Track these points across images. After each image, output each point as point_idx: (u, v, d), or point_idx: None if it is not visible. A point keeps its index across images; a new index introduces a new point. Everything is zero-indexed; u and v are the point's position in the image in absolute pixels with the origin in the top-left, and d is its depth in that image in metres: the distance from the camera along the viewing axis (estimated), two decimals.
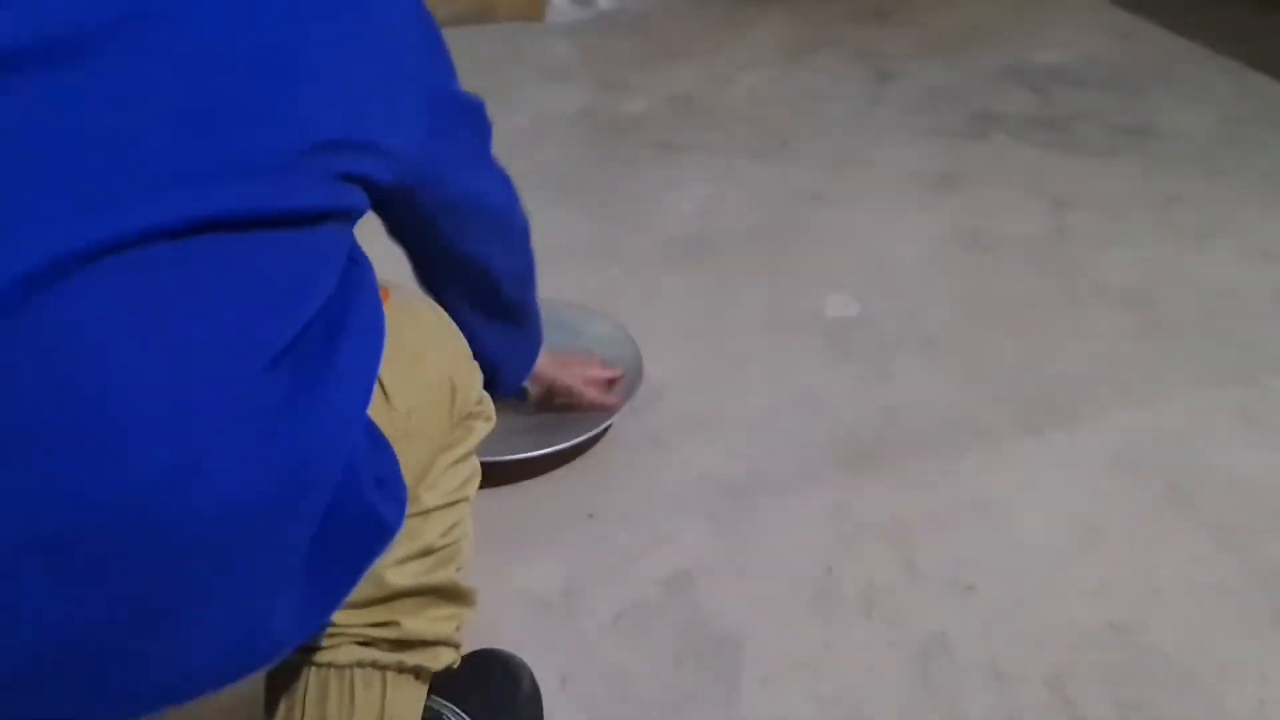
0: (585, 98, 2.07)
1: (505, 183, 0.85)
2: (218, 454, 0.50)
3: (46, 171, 0.47)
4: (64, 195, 0.47)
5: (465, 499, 0.78)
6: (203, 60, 0.51)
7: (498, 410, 0.85)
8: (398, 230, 0.81)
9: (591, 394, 1.13)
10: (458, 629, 0.78)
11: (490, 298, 0.92)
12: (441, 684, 0.85)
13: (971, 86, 2.11)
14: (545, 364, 1.08)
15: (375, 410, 0.62)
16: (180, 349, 0.49)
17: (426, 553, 0.74)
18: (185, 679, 0.55)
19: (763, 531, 1.07)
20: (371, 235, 0.82)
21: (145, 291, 0.48)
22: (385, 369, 0.62)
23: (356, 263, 0.63)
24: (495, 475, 1.10)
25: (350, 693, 0.71)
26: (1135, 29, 2.42)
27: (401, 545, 0.70)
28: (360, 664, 0.71)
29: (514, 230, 0.89)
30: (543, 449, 1.09)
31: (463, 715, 0.81)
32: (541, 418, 1.15)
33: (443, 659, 0.77)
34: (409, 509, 0.66)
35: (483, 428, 0.80)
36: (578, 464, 1.15)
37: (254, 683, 0.72)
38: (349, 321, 0.58)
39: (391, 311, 0.65)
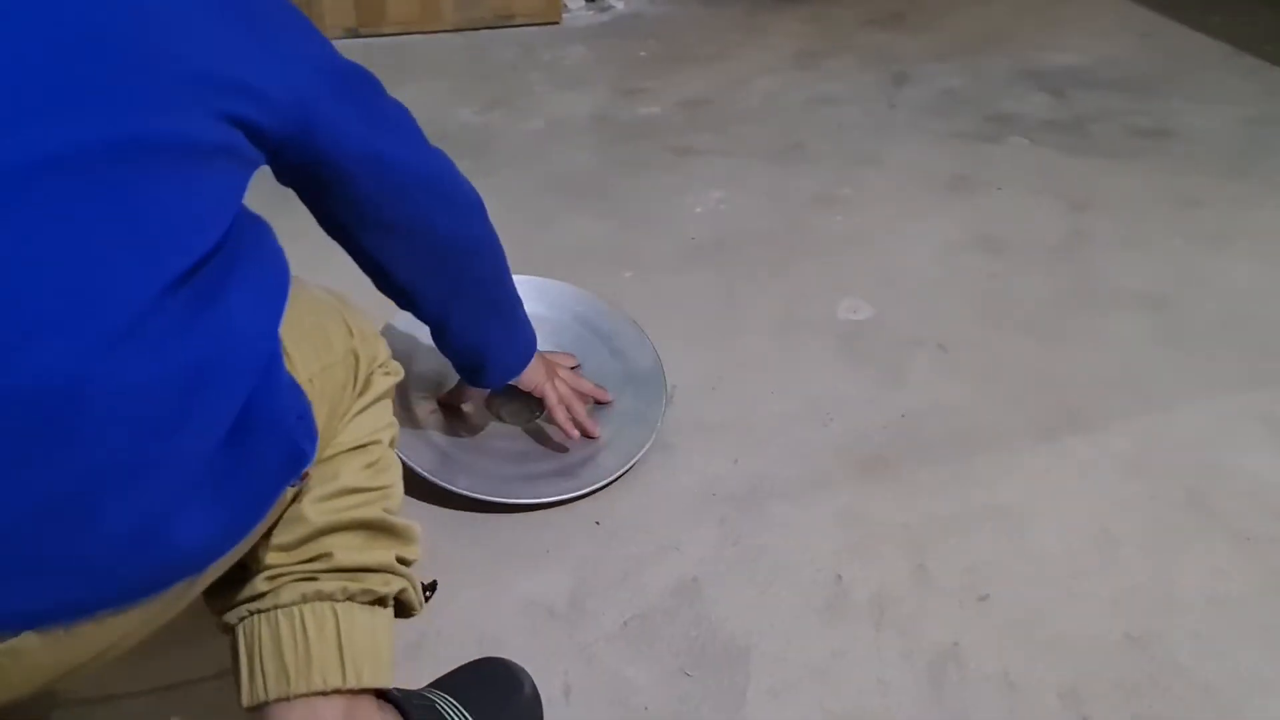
0: (600, 102, 2.07)
1: (415, 142, 0.83)
2: (115, 355, 0.54)
3: None
4: None
5: (378, 442, 0.79)
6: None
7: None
8: (330, 210, 0.80)
9: (563, 419, 1.12)
10: (399, 560, 0.78)
11: (451, 274, 0.90)
12: (442, 683, 0.86)
13: (987, 89, 2.10)
14: (536, 370, 1.08)
15: None
16: (84, 264, 0.54)
17: (349, 492, 0.75)
18: (89, 578, 0.56)
19: (772, 538, 1.05)
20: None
21: (49, 209, 0.53)
22: (289, 343, 0.67)
23: (258, 221, 0.68)
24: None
25: (303, 630, 0.71)
26: (1155, 27, 2.40)
27: (322, 485, 0.73)
28: (305, 598, 0.72)
29: (446, 191, 0.86)
30: (567, 493, 1.08)
31: (462, 710, 0.81)
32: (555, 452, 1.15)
33: (393, 584, 0.76)
34: (325, 452, 0.72)
35: (384, 380, 0.82)
36: None
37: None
38: (246, 263, 0.63)
39: (294, 297, 0.68)
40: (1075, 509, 1.09)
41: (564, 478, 1.10)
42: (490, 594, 1.00)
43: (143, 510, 0.56)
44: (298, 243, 0.76)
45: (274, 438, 0.63)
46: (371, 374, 0.80)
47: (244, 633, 0.72)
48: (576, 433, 1.13)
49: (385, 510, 0.78)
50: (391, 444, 0.82)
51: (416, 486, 1.05)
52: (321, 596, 0.72)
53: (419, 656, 0.92)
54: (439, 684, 0.86)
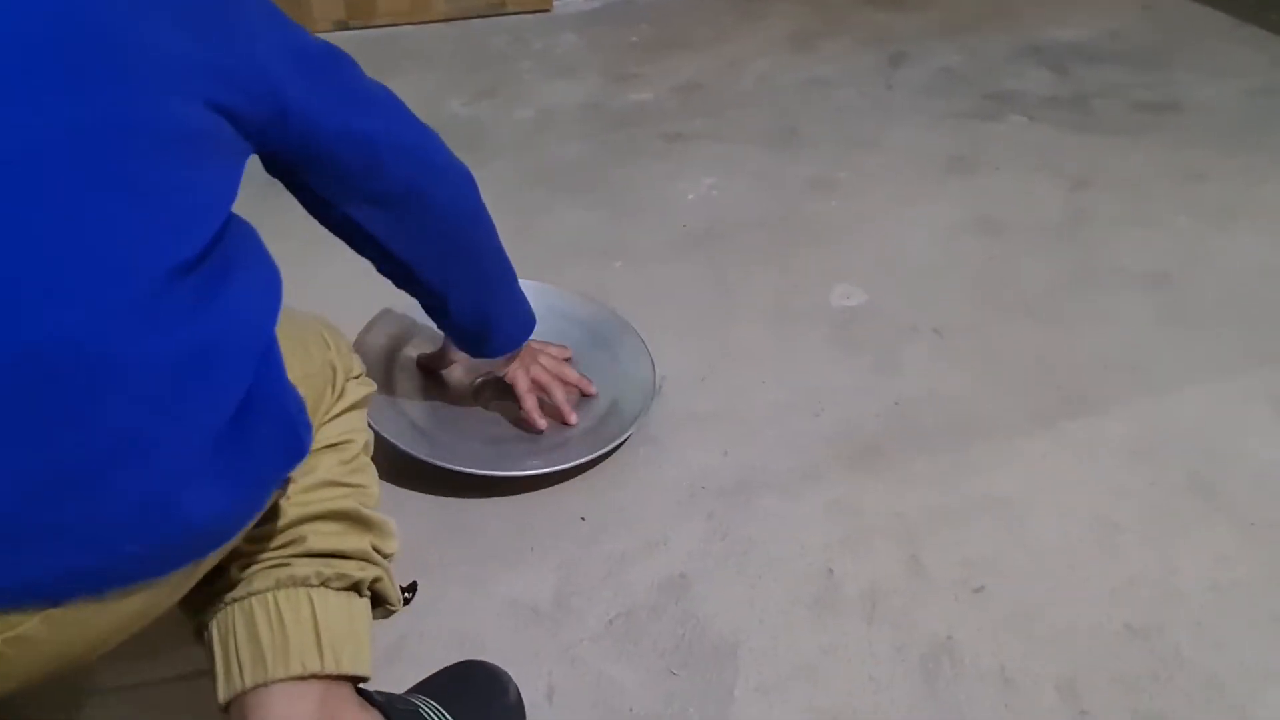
0: (591, 89, 2.03)
1: (395, 115, 0.84)
2: (128, 325, 0.55)
3: None
4: None
5: (352, 442, 0.81)
6: None
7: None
8: (319, 192, 0.81)
9: (530, 406, 1.11)
10: (374, 549, 0.78)
11: (448, 243, 0.91)
12: (423, 687, 0.84)
13: (987, 67, 2.05)
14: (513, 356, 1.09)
15: None
16: (100, 235, 0.55)
17: (326, 485, 0.76)
18: (99, 549, 0.55)
19: (761, 532, 1.03)
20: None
21: (67, 180, 0.54)
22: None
23: (246, 224, 0.68)
24: (487, 487, 1.07)
25: (279, 616, 0.71)
26: None
27: (299, 478, 0.74)
28: (279, 584, 0.71)
29: (433, 161, 0.87)
30: (551, 466, 1.07)
31: (445, 715, 0.78)
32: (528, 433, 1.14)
33: (368, 571, 0.76)
34: None
35: (358, 389, 0.84)
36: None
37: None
38: (242, 258, 0.65)
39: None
40: (1074, 497, 1.06)
41: (535, 458, 1.08)
42: (472, 594, 0.98)
43: (152, 483, 0.56)
44: (285, 242, 0.75)
45: (278, 424, 0.65)
46: (347, 383, 0.83)
47: (218, 626, 0.72)
48: (542, 423, 1.11)
49: (361, 504, 0.78)
50: (365, 448, 0.83)
51: (392, 471, 1.04)
52: (295, 582, 0.72)
53: (399, 659, 0.90)
54: (420, 688, 0.84)
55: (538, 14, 2.46)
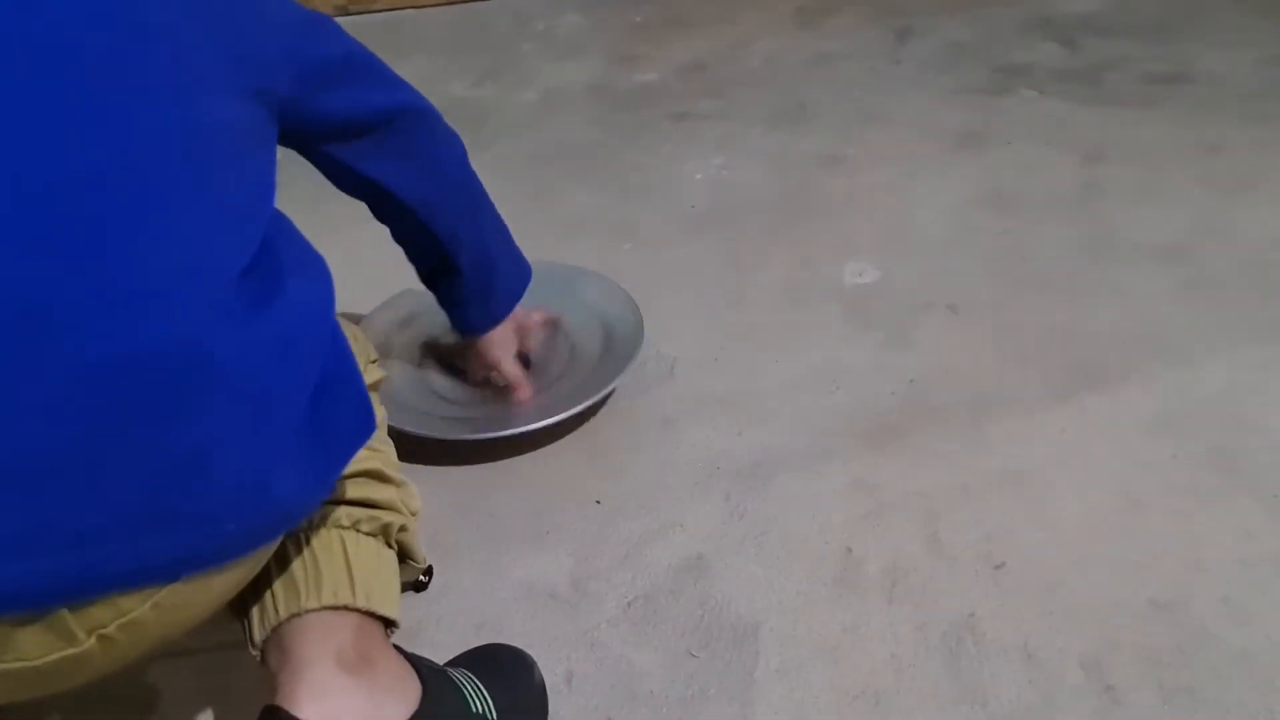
0: (596, 70, 2.02)
1: (407, 88, 0.92)
2: (219, 322, 0.59)
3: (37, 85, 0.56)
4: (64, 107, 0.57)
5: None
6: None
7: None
8: (332, 152, 0.88)
9: (512, 371, 1.14)
10: (401, 500, 0.81)
11: (454, 187, 0.99)
12: (453, 664, 0.84)
13: (996, 40, 2.03)
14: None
15: None
16: (185, 241, 0.59)
17: None
18: (205, 532, 0.59)
19: (779, 512, 1.02)
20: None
21: (151, 187, 0.58)
22: None
23: (282, 217, 0.71)
24: (494, 451, 1.07)
25: (311, 553, 0.73)
26: None
27: None
28: (311, 524, 0.74)
29: (440, 125, 0.96)
30: (537, 422, 1.07)
31: (477, 682, 0.78)
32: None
33: (395, 519, 0.80)
34: None
35: (375, 371, 0.90)
36: (584, 447, 1.11)
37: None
38: (290, 250, 0.68)
39: None
40: (1095, 472, 1.04)
41: (537, 413, 1.09)
42: (489, 578, 0.97)
43: (249, 466, 0.60)
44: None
45: (351, 402, 0.69)
46: (367, 366, 0.87)
47: None
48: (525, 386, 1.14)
49: (384, 465, 0.81)
50: (382, 424, 0.85)
51: (403, 455, 1.02)
52: (326, 522, 0.74)
53: (416, 644, 0.89)
54: (449, 665, 0.84)
55: None
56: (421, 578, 0.95)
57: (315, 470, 0.65)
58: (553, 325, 1.21)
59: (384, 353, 1.16)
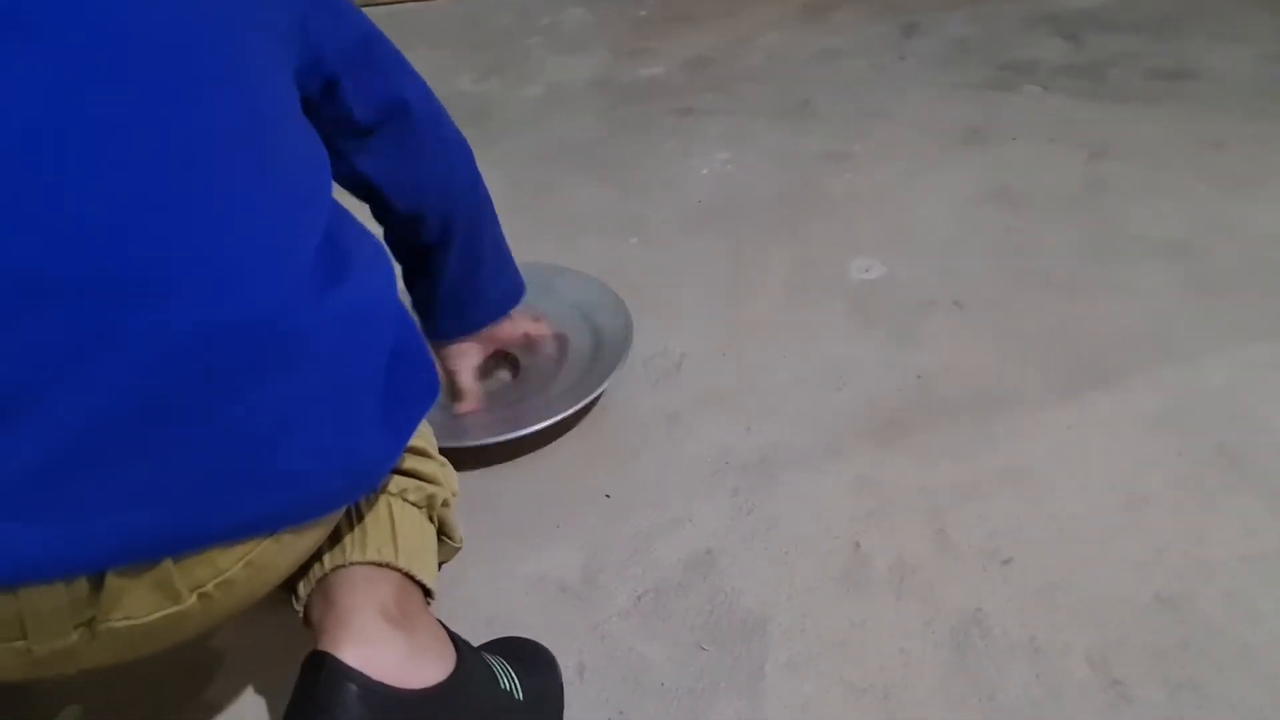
0: (600, 65, 2.02)
1: (420, 84, 0.93)
2: (301, 295, 0.62)
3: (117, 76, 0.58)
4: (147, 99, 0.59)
5: None
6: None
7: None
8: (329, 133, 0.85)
9: (466, 382, 1.13)
10: (443, 478, 0.85)
11: (445, 174, 0.97)
12: (482, 648, 0.84)
13: (1000, 36, 2.03)
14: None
15: None
16: (266, 219, 0.62)
17: None
18: (298, 490, 0.63)
19: (787, 507, 1.02)
20: None
21: (234, 169, 0.61)
22: None
23: (344, 209, 0.73)
24: (501, 446, 1.08)
25: (358, 514, 0.76)
26: None
27: None
28: None
29: (451, 130, 0.97)
30: (534, 425, 1.07)
31: (508, 666, 0.80)
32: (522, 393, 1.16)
33: (440, 492, 0.83)
34: None
35: None
36: (593, 443, 1.12)
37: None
38: (350, 227, 0.71)
39: None
40: (1100, 468, 1.05)
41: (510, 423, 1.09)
42: (500, 572, 0.98)
43: (330, 429, 0.63)
44: None
45: (421, 366, 0.74)
46: None
47: None
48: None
49: (428, 444, 0.85)
50: None
51: None
52: (376, 490, 0.77)
53: None
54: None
55: None
56: (453, 555, 0.97)
57: (393, 431, 0.69)
58: (557, 340, 1.21)
59: None
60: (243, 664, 0.90)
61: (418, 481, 0.81)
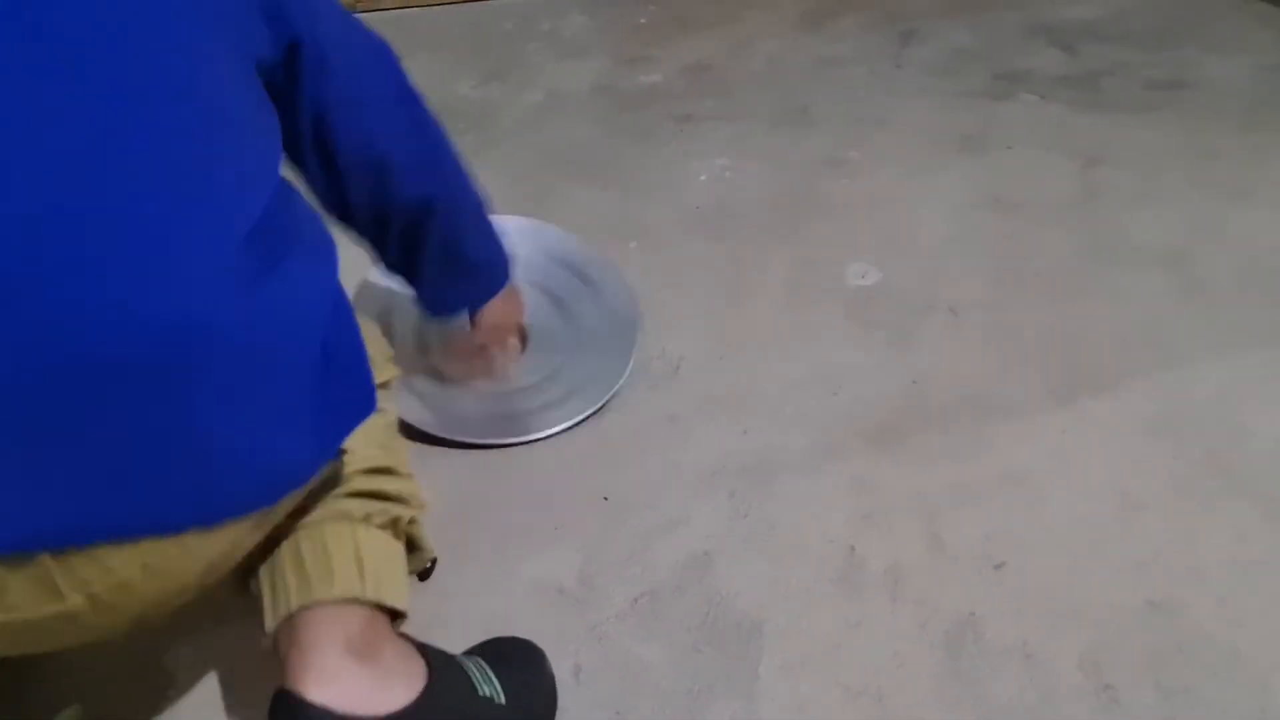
0: (600, 71, 2.03)
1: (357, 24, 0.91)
2: (223, 292, 0.60)
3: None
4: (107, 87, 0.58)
5: (387, 411, 0.85)
6: None
7: None
8: (306, 101, 0.82)
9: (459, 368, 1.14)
10: (409, 494, 0.83)
11: (422, 142, 0.95)
12: (466, 653, 0.86)
13: (997, 45, 2.04)
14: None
15: None
16: (188, 217, 0.60)
17: (368, 445, 0.80)
18: (206, 487, 0.61)
19: (783, 511, 1.03)
20: None
21: (159, 167, 0.59)
22: None
23: (286, 182, 0.71)
24: (500, 447, 1.09)
25: (323, 546, 0.75)
26: None
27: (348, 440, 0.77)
28: (324, 518, 0.76)
29: (390, 57, 0.94)
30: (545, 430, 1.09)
31: (488, 671, 0.81)
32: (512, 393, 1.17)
33: (406, 512, 0.81)
34: None
35: (389, 368, 0.89)
36: (592, 443, 1.12)
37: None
38: (295, 219, 0.69)
39: None
40: (1093, 473, 1.06)
41: (512, 421, 1.11)
42: (497, 574, 0.98)
43: (252, 428, 0.62)
44: None
45: (354, 373, 0.71)
46: (381, 364, 0.88)
47: (266, 567, 0.75)
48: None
49: (396, 464, 0.83)
50: (392, 423, 0.87)
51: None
52: (339, 516, 0.76)
53: (425, 638, 0.90)
54: (463, 654, 0.85)
55: None
56: (426, 565, 0.96)
57: (315, 436, 0.67)
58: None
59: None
60: (243, 664, 0.90)
61: (383, 504, 0.79)
